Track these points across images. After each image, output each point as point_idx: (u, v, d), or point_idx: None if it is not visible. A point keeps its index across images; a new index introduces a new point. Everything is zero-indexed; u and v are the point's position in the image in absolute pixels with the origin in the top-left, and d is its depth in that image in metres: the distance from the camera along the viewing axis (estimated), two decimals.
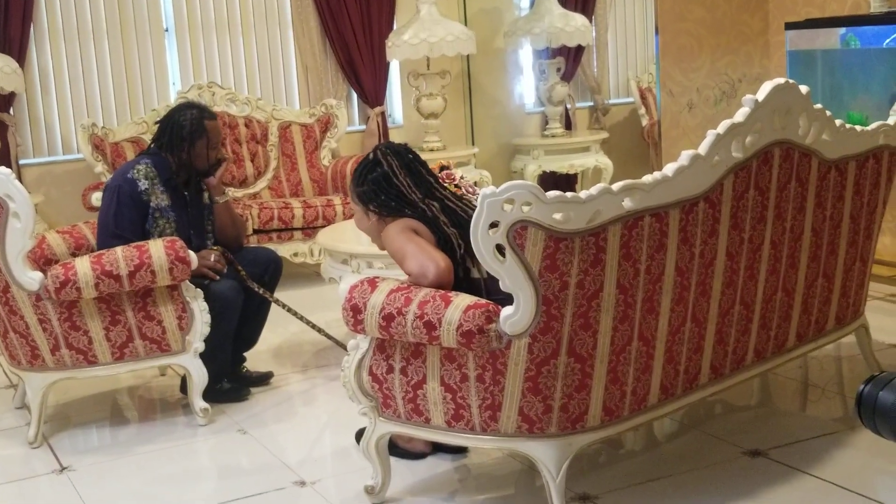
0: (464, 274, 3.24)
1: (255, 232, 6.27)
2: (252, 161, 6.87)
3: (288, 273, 5.10)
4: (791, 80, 3.33)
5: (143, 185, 4.23)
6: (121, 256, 3.90)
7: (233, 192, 6.49)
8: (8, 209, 3.74)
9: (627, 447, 3.72)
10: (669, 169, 3.00)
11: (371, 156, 3.42)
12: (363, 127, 7.54)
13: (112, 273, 3.86)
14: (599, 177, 7.82)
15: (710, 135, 3.09)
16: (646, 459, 3.64)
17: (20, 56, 6.54)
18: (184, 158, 4.29)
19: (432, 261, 3.12)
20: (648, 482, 3.36)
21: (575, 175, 7.99)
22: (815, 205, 3.57)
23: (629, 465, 3.59)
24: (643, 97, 8.18)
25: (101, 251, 4.00)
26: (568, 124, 8.17)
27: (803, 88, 3.38)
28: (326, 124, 7.06)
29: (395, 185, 3.36)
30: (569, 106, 8.13)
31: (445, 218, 3.30)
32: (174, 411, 4.36)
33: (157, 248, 3.94)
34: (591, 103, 8.41)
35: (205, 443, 4.02)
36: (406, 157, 3.42)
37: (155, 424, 4.24)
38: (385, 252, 3.37)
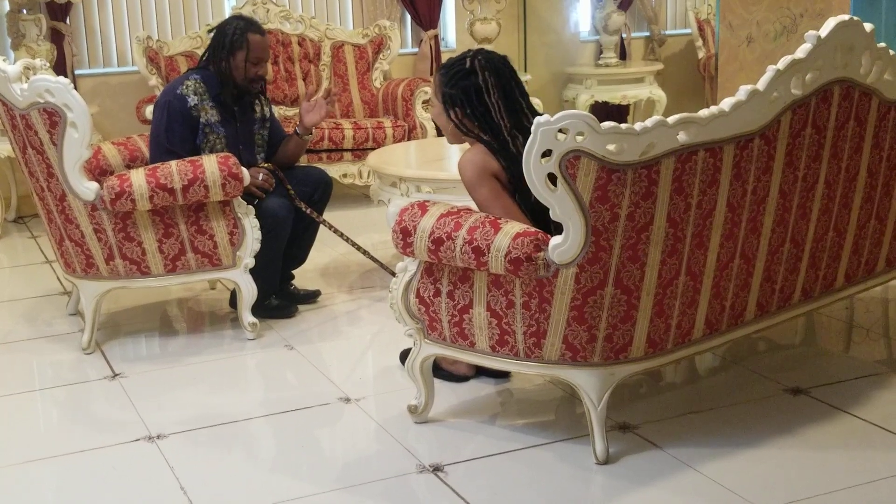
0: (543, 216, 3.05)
1: (306, 151, 6.28)
2: (304, 80, 6.87)
3: (336, 194, 5.13)
4: (855, 18, 3.27)
5: (193, 100, 4.26)
6: (175, 170, 3.95)
7: (284, 111, 6.52)
8: (66, 119, 3.79)
9: (668, 379, 3.75)
10: (726, 103, 2.98)
11: (468, 63, 3.18)
12: (416, 49, 7.50)
13: (166, 186, 3.91)
14: (652, 109, 7.73)
15: (770, 70, 3.05)
16: (686, 392, 3.67)
17: None
18: (222, 68, 4.30)
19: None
20: (688, 414, 3.39)
21: (627, 106, 7.91)
22: (873, 145, 3.52)
23: (669, 398, 3.62)
24: (701, 29, 8.04)
25: (156, 164, 4.05)
26: (622, 54, 8.07)
27: (867, 26, 3.33)
28: (379, 46, 7.03)
29: (485, 103, 3.17)
30: (624, 35, 8.02)
31: None
32: (222, 325, 4.44)
33: (210, 164, 3.98)
34: (647, 33, 8.29)
35: (252, 357, 4.11)
36: (504, 77, 3.18)
37: (203, 337, 4.33)
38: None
